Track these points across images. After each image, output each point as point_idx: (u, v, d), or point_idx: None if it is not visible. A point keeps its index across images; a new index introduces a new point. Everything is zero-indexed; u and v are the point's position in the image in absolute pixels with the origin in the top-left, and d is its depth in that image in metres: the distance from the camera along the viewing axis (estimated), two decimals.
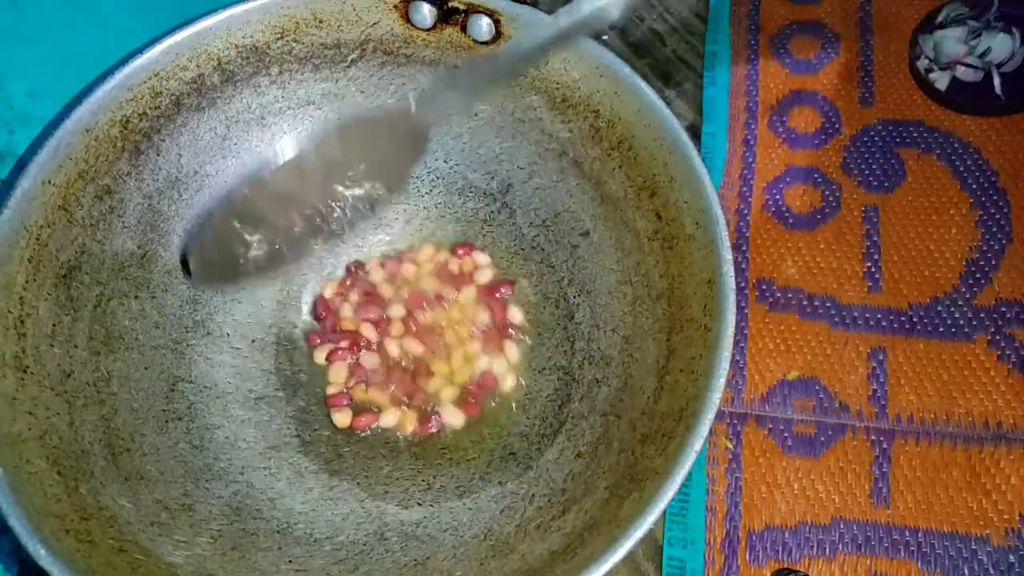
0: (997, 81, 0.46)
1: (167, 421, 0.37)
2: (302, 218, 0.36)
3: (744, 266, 0.44)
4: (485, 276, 0.42)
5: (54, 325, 0.34)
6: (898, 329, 0.41)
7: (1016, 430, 0.38)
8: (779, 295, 0.43)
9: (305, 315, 0.42)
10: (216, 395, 0.39)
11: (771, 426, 0.40)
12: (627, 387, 0.37)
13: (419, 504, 0.37)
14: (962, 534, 0.37)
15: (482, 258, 0.43)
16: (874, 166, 0.46)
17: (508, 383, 0.40)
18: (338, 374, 0.40)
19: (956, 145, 0.46)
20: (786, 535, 0.37)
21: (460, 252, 0.43)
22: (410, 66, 0.41)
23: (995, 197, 0.44)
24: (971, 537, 0.36)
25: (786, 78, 0.49)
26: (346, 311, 0.42)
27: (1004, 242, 0.43)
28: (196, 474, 0.36)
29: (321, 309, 0.42)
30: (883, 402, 0.40)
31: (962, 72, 0.46)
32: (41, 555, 0.28)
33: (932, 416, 0.39)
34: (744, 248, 0.44)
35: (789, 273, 0.44)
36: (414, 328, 0.41)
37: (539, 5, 0.52)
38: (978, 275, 0.42)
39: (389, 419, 0.39)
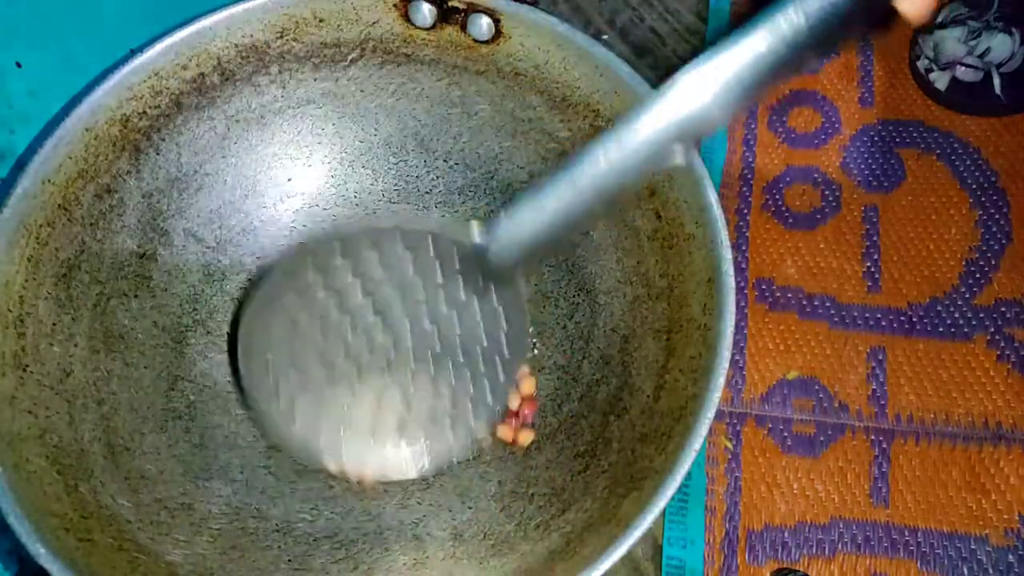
0: (997, 81, 0.46)
1: (167, 420, 0.37)
2: None
3: (744, 266, 0.44)
4: None
5: (54, 324, 0.34)
6: (898, 329, 0.41)
7: (1016, 430, 0.38)
8: (779, 295, 0.43)
9: None
10: (216, 394, 0.39)
11: (771, 426, 0.40)
12: (626, 386, 0.37)
13: (419, 503, 0.37)
14: (961, 534, 0.37)
15: None
16: (874, 166, 0.46)
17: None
18: None
19: (956, 145, 0.46)
20: (785, 535, 0.37)
21: None
22: (410, 65, 0.41)
23: (995, 197, 0.44)
24: (970, 537, 0.36)
25: None
26: None
27: (1004, 242, 0.43)
28: (196, 473, 0.36)
29: None
30: (883, 402, 0.40)
31: (962, 72, 0.46)
32: (40, 553, 0.28)
33: (932, 416, 0.39)
34: (744, 248, 0.44)
35: (789, 273, 0.44)
36: None
37: (539, 5, 0.52)
38: (978, 275, 0.42)
39: None
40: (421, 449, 0.33)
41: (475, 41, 0.39)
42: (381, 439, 0.33)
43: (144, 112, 0.37)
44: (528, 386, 0.40)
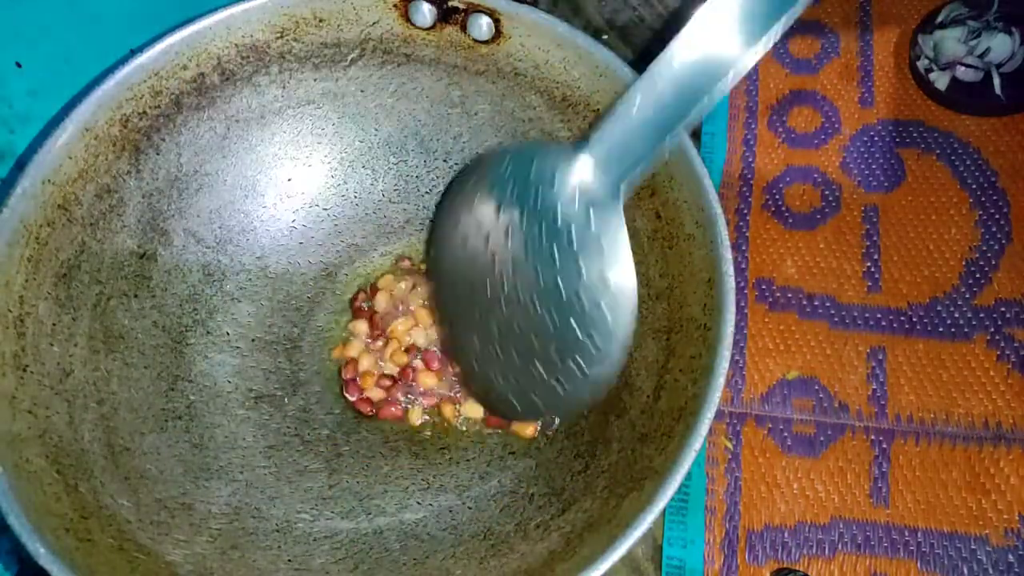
0: (997, 81, 0.46)
1: (167, 420, 0.37)
2: None
3: (744, 266, 0.44)
4: None
5: (54, 324, 0.34)
6: (898, 329, 0.41)
7: (1016, 430, 0.38)
8: (779, 295, 0.43)
9: (306, 316, 0.42)
10: (216, 394, 0.39)
11: (771, 426, 0.40)
12: (627, 387, 0.37)
13: (418, 503, 0.37)
14: (961, 534, 0.37)
15: None
16: (874, 166, 0.46)
17: None
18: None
19: (956, 145, 0.46)
20: (785, 535, 0.37)
21: None
22: (410, 65, 0.41)
23: (995, 197, 0.44)
24: (970, 537, 0.36)
25: (786, 78, 0.49)
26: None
27: (1004, 242, 0.43)
28: (195, 473, 0.36)
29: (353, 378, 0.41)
30: (883, 402, 0.40)
31: (962, 72, 0.46)
32: (40, 553, 0.28)
33: (932, 416, 0.39)
34: (744, 248, 0.44)
35: (789, 273, 0.44)
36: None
37: (539, 5, 0.52)
38: (978, 275, 0.42)
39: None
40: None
41: (475, 41, 0.39)
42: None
43: (144, 112, 0.37)
44: None
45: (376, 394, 0.40)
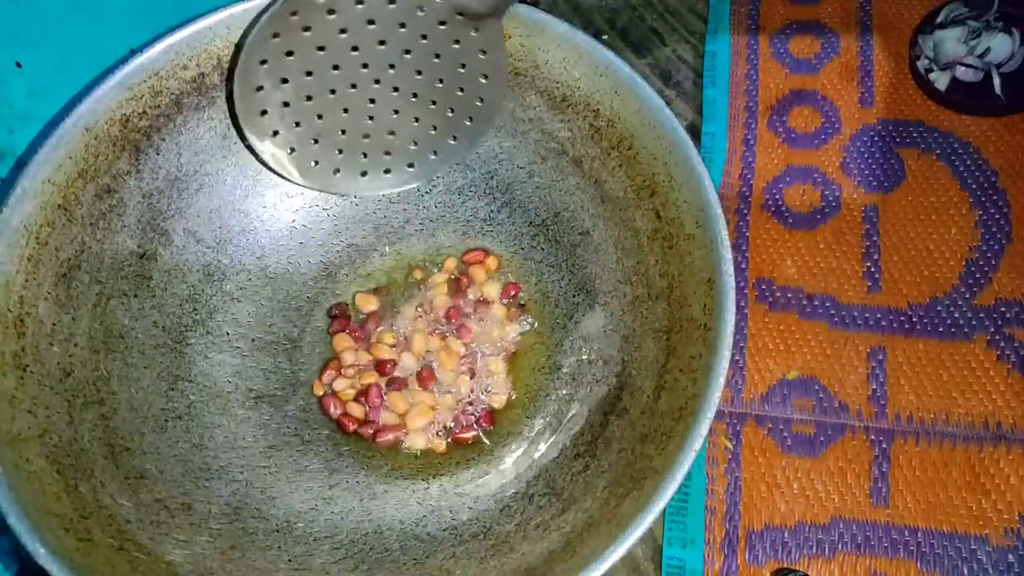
0: (997, 81, 0.46)
1: (167, 420, 0.37)
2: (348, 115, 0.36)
3: (744, 266, 0.44)
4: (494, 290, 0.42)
5: (54, 324, 0.34)
6: (898, 329, 0.41)
7: (1016, 430, 0.38)
8: (779, 295, 0.43)
9: (306, 316, 0.42)
10: (216, 394, 0.39)
11: (771, 426, 0.40)
12: (626, 387, 0.37)
13: (418, 503, 0.37)
14: (961, 534, 0.37)
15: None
16: (874, 166, 0.46)
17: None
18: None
19: (956, 145, 0.46)
20: (785, 535, 0.37)
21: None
22: None
23: (995, 197, 0.44)
24: (970, 537, 0.36)
25: (786, 78, 0.49)
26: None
27: (1004, 242, 0.43)
28: (196, 473, 0.36)
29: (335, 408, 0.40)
30: (883, 402, 0.40)
31: (962, 72, 0.46)
32: (40, 553, 0.28)
33: (932, 416, 0.39)
34: (744, 248, 0.44)
35: (789, 273, 0.44)
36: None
37: (539, 5, 0.52)
38: (978, 275, 0.42)
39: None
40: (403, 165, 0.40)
41: None
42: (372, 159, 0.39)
43: (144, 112, 0.37)
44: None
45: (356, 411, 0.40)
